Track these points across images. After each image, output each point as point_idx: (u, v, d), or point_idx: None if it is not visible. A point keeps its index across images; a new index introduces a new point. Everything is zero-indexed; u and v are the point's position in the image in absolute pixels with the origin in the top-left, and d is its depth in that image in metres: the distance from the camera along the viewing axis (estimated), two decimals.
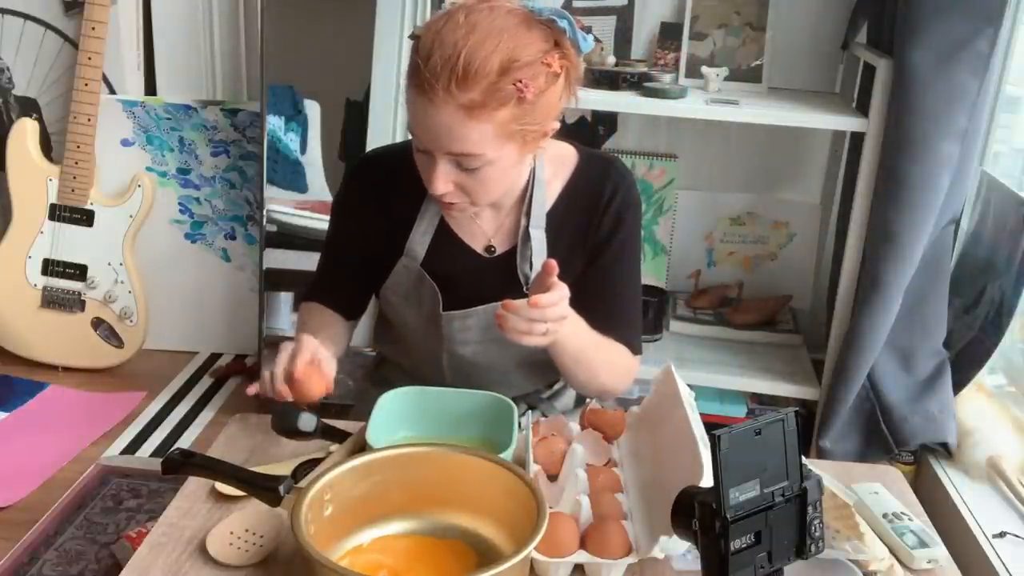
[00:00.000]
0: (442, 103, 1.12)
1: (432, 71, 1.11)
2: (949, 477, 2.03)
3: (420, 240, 1.35)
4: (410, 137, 1.24)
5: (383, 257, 1.38)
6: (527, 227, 1.34)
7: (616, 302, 1.39)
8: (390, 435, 1.21)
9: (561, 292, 1.16)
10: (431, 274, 1.35)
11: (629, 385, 1.41)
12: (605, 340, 1.34)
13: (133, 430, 2.54)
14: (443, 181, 1.20)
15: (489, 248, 1.37)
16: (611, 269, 1.38)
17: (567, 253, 1.36)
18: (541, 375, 1.47)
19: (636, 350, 1.40)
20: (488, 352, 1.39)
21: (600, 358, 1.34)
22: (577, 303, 1.36)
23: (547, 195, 1.36)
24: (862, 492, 1.22)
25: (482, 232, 1.37)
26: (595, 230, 1.37)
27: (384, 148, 1.49)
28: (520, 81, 1.12)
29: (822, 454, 2.17)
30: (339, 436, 1.22)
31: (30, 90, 2.81)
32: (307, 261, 2.49)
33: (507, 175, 1.24)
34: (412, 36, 1.18)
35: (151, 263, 2.82)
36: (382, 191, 1.37)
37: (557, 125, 1.24)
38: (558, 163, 1.37)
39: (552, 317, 1.14)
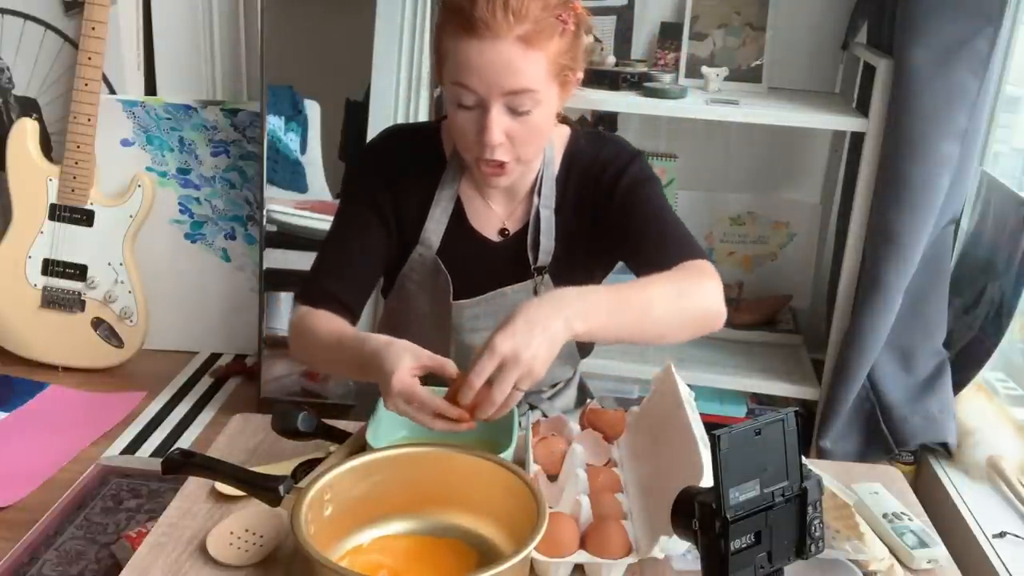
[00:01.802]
0: (500, 37, 1.15)
1: (485, 8, 1.14)
2: (949, 477, 2.03)
3: (435, 228, 1.36)
4: (423, 120, 1.23)
5: (392, 242, 1.37)
6: (538, 206, 1.35)
7: (652, 224, 1.32)
8: (390, 435, 1.21)
9: (479, 372, 1.04)
10: (444, 262, 1.36)
11: (717, 291, 1.23)
12: (650, 283, 1.20)
13: (133, 430, 2.54)
14: (498, 130, 1.19)
15: (503, 232, 1.38)
16: (632, 201, 1.33)
17: (575, 224, 1.37)
18: (550, 369, 1.47)
19: (694, 255, 1.27)
20: None
21: (656, 303, 1.18)
22: (623, 249, 1.35)
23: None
24: (862, 492, 1.22)
25: (496, 217, 1.38)
26: (598, 185, 1.35)
27: (406, 125, 1.47)
28: (560, 15, 1.18)
29: (822, 454, 2.17)
30: (339, 436, 1.22)
31: (30, 90, 2.81)
32: (307, 261, 2.46)
33: (550, 124, 1.26)
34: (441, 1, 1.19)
35: (151, 263, 2.82)
36: (403, 167, 1.36)
37: (581, 75, 1.28)
38: (558, 142, 1.39)
39: (506, 387, 1.05)
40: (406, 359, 1.08)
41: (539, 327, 1.07)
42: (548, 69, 1.19)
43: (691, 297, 1.21)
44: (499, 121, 1.19)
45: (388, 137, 1.41)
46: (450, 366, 1.10)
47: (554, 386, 1.53)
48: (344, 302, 1.32)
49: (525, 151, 1.24)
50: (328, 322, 1.28)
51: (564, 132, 1.40)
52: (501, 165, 1.24)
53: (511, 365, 1.04)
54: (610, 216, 1.34)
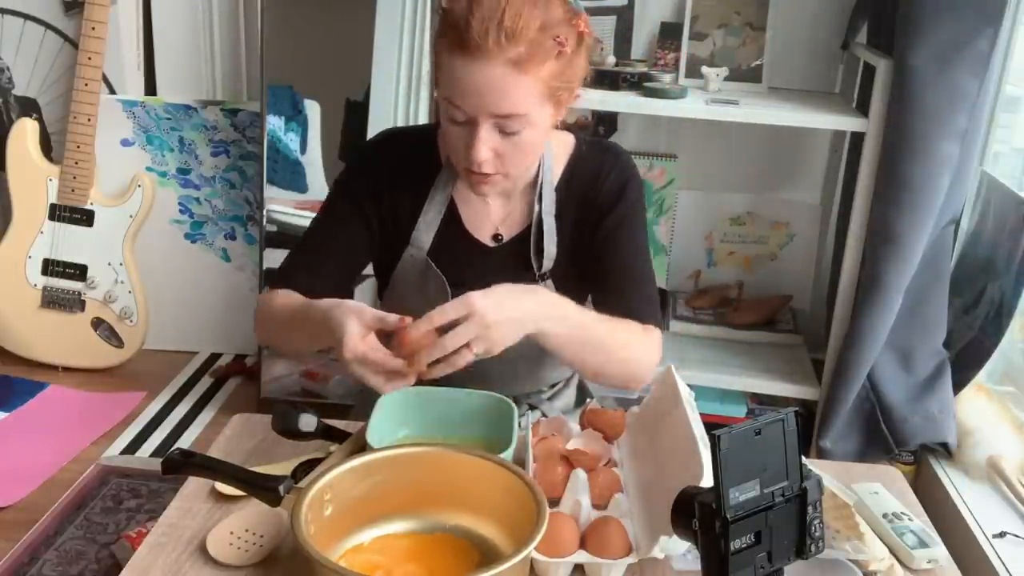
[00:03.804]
0: (491, 59, 1.13)
1: (479, 29, 1.12)
2: (949, 477, 2.03)
3: (426, 229, 1.35)
4: (421, 123, 1.22)
5: (378, 244, 1.37)
6: (540, 213, 1.35)
7: (623, 274, 1.36)
8: (390, 435, 1.21)
9: (443, 310, 1.07)
10: (437, 264, 1.35)
11: (655, 362, 1.31)
12: (609, 321, 1.26)
13: (133, 430, 2.54)
14: (485, 147, 1.19)
15: (496, 236, 1.38)
16: (615, 240, 1.36)
17: (573, 234, 1.37)
18: (546, 368, 1.47)
19: (650, 320, 1.32)
20: None
21: (607, 341, 1.25)
22: (588, 279, 1.36)
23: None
24: (862, 492, 1.22)
25: (490, 221, 1.38)
26: (595, 204, 1.36)
27: (403, 128, 1.46)
28: (558, 36, 1.16)
29: (822, 454, 2.17)
30: (339, 436, 1.22)
31: (30, 90, 2.81)
32: None
33: (540, 142, 1.25)
34: (440, 10, 1.19)
35: (151, 263, 2.82)
36: (397, 170, 1.36)
37: (580, 93, 1.26)
38: (559, 150, 1.39)
39: (460, 339, 1.07)
40: (352, 325, 1.10)
41: (515, 306, 1.12)
42: (539, 92, 1.17)
43: (637, 354, 1.29)
44: (487, 139, 1.19)
45: (384, 140, 1.42)
46: (391, 318, 1.11)
47: (553, 386, 1.53)
48: (312, 293, 1.30)
49: (513, 167, 1.24)
50: (284, 298, 1.31)
51: (567, 140, 1.39)
52: (488, 175, 1.24)
53: (476, 320, 1.07)
54: (593, 244, 1.36)
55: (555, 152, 1.38)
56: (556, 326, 1.18)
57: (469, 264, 1.37)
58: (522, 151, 1.22)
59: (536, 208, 1.35)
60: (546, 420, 1.31)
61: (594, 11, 2.50)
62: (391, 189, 1.36)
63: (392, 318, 1.10)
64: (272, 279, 1.37)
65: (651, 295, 1.37)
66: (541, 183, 1.35)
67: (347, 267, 1.39)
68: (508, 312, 1.10)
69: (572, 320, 1.20)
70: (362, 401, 1.49)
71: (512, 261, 1.37)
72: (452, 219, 1.37)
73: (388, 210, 1.36)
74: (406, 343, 1.08)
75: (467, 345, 1.08)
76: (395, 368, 1.09)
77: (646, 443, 1.23)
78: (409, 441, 1.19)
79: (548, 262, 1.36)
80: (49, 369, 2.79)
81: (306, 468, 1.16)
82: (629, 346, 1.28)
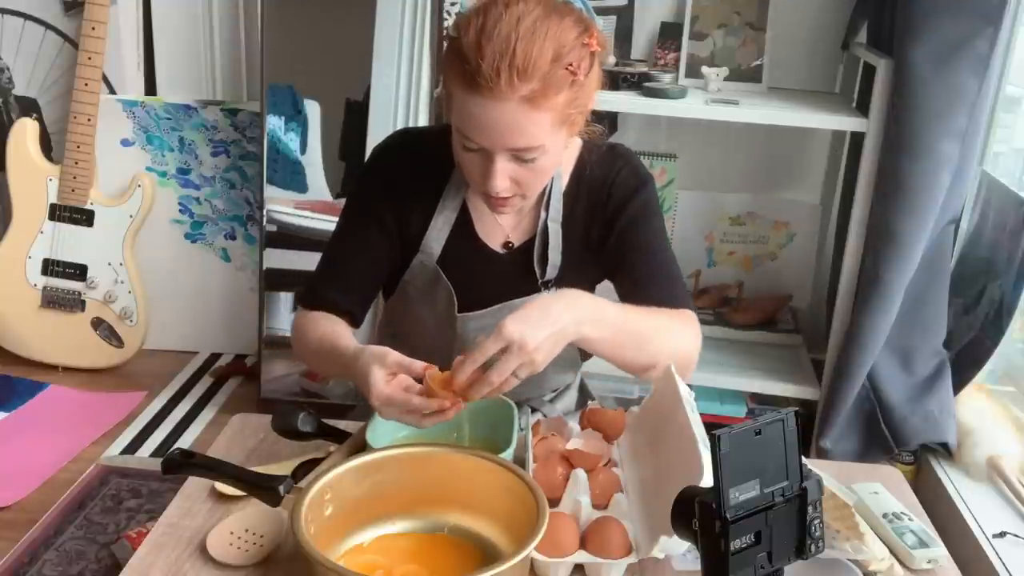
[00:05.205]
0: (504, 98, 1.11)
1: (489, 69, 1.10)
2: (949, 477, 2.03)
3: (437, 237, 1.34)
4: (423, 123, 1.20)
5: (396, 252, 1.36)
6: (546, 220, 1.34)
7: (647, 265, 1.34)
8: (390, 435, 1.21)
9: (483, 349, 1.06)
10: (446, 272, 1.34)
11: (698, 345, 1.28)
12: (647, 314, 1.23)
13: (133, 430, 2.54)
14: (502, 177, 1.18)
15: (507, 244, 1.37)
16: (633, 234, 1.34)
17: (581, 239, 1.36)
18: (548, 376, 1.47)
19: (681, 304, 1.30)
20: None
21: (649, 335, 1.22)
22: (611, 277, 1.36)
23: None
24: (862, 492, 1.22)
25: (501, 229, 1.37)
26: (607, 206, 1.35)
27: (415, 131, 1.44)
28: (571, 64, 1.13)
29: (822, 454, 2.17)
30: (339, 436, 1.22)
31: (30, 90, 2.81)
32: (307, 261, 2.49)
33: (556, 163, 1.25)
34: (448, 37, 1.17)
35: (151, 263, 2.82)
36: (409, 173, 1.35)
37: (593, 105, 1.25)
38: (568, 156, 1.37)
39: (505, 371, 1.06)
40: (376, 372, 1.09)
41: (551, 319, 1.09)
42: (553, 121, 1.16)
43: (681, 341, 1.26)
44: (503, 170, 1.18)
45: (395, 143, 1.39)
46: (416, 366, 1.10)
47: (555, 391, 1.53)
48: (345, 309, 1.32)
49: (531, 190, 1.24)
50: (320, 327, 1.29)
51: (575, 145, 1.37)
52: (507, 198, 1.23)
53: (515, 351, 1.06)
54: (608, 245, 1.35)
55: (564, 159, 1.36)
56: (596, 329, 1.14)
57: (478, 271, 1.35)
58: (539, 174, 1.21)
59: (542, 216, 1.34)
60: (546, 420, 1.31)
61: (595, 11, 2.50)
62: (403, 193, 1.34)
63: (417, 365, 1.10)
64: (302, 298, 1.36)
65: (677, 280, 1.35)
66: (549, 191, 1.34)
67: (374, 278, 1.38)
68: (545, 329, 1.08)
69: (611, 319, 1.17)
70: (362, 401, 1.48)
71: (519, 269, 1.36)
72: (464, 225, 1.35)
73: (401, 214, 1.35)
74: (454, 388, 1.07)
75: (513, 374, 1.07)
76: (421, 407, 1.07)
77: (646, 443, 1.23)
78: (409, 441, 1.19)
79: (552, 270, 1.35)
80: (49, 369, 2.79)
81: (306, 468, 1.16)
82: (671, 335, 1.24)
